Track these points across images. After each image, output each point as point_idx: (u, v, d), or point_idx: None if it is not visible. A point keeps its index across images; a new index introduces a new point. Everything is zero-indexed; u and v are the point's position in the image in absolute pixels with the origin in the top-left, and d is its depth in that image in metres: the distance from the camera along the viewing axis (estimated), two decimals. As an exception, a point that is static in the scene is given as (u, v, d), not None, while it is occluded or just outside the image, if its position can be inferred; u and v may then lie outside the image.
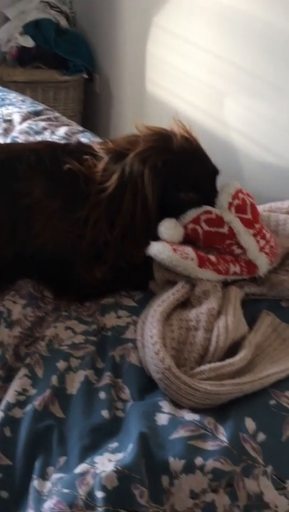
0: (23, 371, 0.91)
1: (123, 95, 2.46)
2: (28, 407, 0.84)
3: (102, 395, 0.87)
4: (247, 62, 1.66)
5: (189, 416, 0.81)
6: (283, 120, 1.56)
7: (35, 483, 0.74)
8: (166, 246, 1.00)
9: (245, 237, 1.02)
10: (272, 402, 0.83)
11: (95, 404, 0.85)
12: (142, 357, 0.93)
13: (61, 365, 0.91)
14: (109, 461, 0.73)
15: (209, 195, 1.08)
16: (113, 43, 2.42)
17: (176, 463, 0.73)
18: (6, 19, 2.56)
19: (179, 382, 0.84)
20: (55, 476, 0.74)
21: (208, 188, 1.09)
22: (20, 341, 0.99)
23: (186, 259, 0.99)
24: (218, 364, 0.89)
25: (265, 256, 1.03)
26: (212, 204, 1.06)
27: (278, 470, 0.75)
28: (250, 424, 0.79)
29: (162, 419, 0.80)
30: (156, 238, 1.03)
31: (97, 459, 0.74)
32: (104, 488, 0.68)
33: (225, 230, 1.02)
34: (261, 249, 1.03)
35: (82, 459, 0.76)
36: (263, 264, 1.03)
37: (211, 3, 1.76)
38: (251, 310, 1.03)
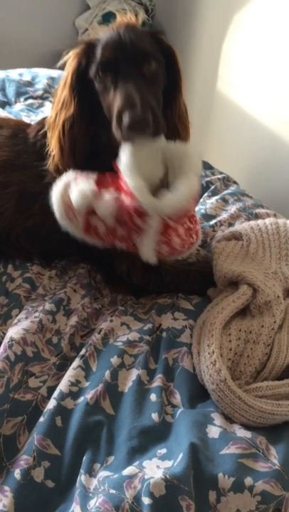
0: (77, 362, 0.91)
1: (193, 91, 2.43)
2: (80, 399, 0.84)
3: (153, 397, 0.86)
4: None
5: (241, 432, 0.79)
6: None
7: (83, 478, 0.74)
8: (59, 204, 0.91)
9: (148, 239, 0.91)
10: None
11: (146, 405, 0.84)
12: (197, 364, 0.91)
13: (115, 360, 0.91)
14: (158, 467, 0.72)
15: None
16: (189, 38, 2.38)
17: (225, 480, 0.70)
18: (87, 7, 2.57)
19: (234, 397, 0.82)
20: (102, 473, 0.74)
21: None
22: (76, 331, 0.99)
23: (72, 220, 0.92)
24: (275, 382, 0.86)
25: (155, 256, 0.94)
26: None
27: None
28: (304, 450, 0.76)
29: (213, 432, 0.78)
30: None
31: (146, 463, 0.73)
32: (151, 495, 0.67)
33: (140, 221, 0.90)
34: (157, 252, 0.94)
35: (129, 461, 0.75)
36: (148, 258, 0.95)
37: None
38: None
